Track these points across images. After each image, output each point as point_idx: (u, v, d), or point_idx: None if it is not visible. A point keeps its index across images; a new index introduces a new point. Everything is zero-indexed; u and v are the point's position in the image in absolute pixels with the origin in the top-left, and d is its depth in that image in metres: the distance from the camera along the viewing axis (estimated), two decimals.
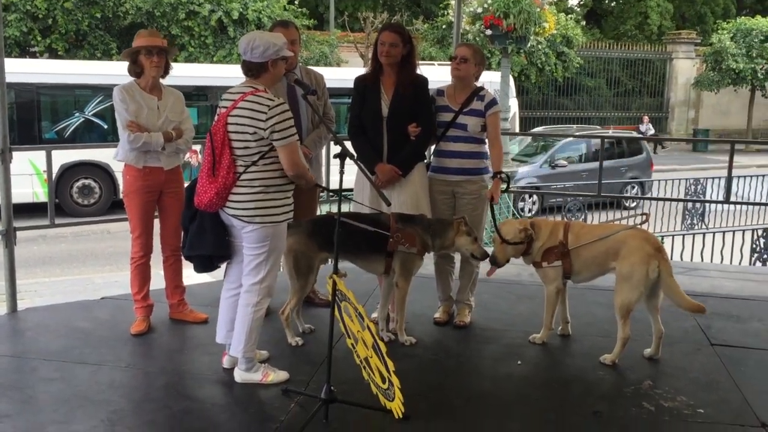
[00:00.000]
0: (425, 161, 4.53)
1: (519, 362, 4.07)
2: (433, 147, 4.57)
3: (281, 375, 3.70)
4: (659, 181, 12.72)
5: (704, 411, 3.51)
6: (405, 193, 4.33)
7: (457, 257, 4.68)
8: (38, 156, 10.96)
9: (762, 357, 4.23)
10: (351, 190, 4.58)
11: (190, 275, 4.67)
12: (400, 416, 3.25)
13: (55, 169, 12.09)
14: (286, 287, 4.22)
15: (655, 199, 7.65)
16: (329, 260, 4.23)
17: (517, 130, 17.62)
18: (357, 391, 3.47)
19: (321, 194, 5.11)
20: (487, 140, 4.45)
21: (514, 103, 16.12)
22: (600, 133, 17.63)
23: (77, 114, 13.12)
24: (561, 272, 4.19)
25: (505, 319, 4.79)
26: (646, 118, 26.28)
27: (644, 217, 4.26)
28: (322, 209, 7.86)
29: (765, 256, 9.27)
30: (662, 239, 8.30)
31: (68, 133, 13.03)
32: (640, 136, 25.24)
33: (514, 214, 10.64)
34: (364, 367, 3.40)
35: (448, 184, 4.47)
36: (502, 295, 5.32)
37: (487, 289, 5.31)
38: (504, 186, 4.36)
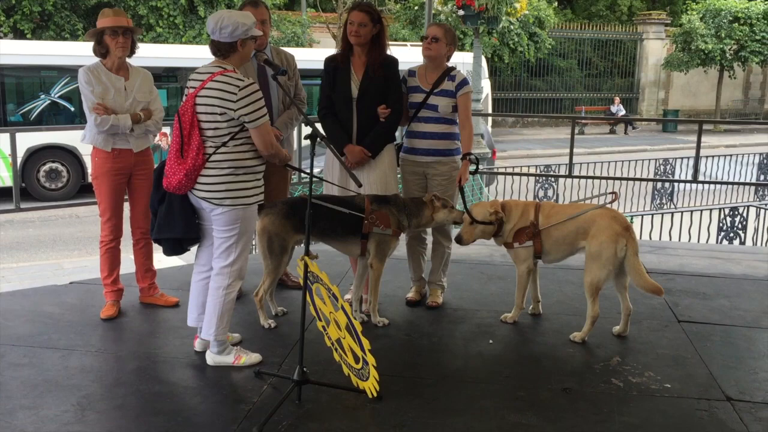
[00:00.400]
0: (396, 143, 4.53)
1: (490, 341, 4.12)
2: (405, 128, 4.57)
3: (254, 357, 3.70)
4: (629, 161, 12.88)
5: (671, 386, 3.58)
6: (374, 174, 4.33)
7: (429, 239, 4.70)
8: (3, 139, 10.74)
9: (727, 332, 4.33)
10: (321, 171, 4.58)
11: (160, 259, 4.64)
12: (374, 395, 3.27)
13: (21, 153, 11.88)
14: (258, 270, 4.21)
15: (624, 179, 7.74)
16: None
17: (490, 111, 17.67)
18: (329, 372, 3.49)
19: (292, 176, 5.09)
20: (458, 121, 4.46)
21: (486, 84, 16.15)
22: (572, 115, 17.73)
23: (43, 96, 12.87)
24: (532, 252, 4.24)
25: (476, 299, 4.83)
26: (617, 99, 26.52)
27: (613, 196, 4.31)
28: (295, 192, 7.85)
29: (731, 234, 9.46)
30: (632, 219, 8.42)
31: (34, 115, 12.78)
32: (612, 116, 25.51)
33: (487, 197, 10.69)
34: (336, 349, 3.42)
35: (420, 165, 4.48)
36: (474, 276, 5.36)
37: (459, 270, 5.35)
38: (473, 168, 4.38)
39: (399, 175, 4.60)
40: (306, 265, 3.33)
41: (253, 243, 6.46)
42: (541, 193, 11.61)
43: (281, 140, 4.39)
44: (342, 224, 4.07)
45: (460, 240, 4.33)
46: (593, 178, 8.13)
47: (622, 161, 12.83)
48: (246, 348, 3.79)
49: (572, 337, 4.13)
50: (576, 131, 7.10)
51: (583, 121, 23.74)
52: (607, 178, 7.12)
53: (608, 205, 4.21)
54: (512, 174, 10.80)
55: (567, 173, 7.23)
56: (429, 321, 4.43)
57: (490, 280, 5.28)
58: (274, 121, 4.42)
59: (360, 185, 3.51)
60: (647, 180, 10.98)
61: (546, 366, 3.81)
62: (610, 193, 4.35)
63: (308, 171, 3.39)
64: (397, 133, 4.58)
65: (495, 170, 11.24)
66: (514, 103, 26.50)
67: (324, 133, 4.23)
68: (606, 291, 4.18)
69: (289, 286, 4.87)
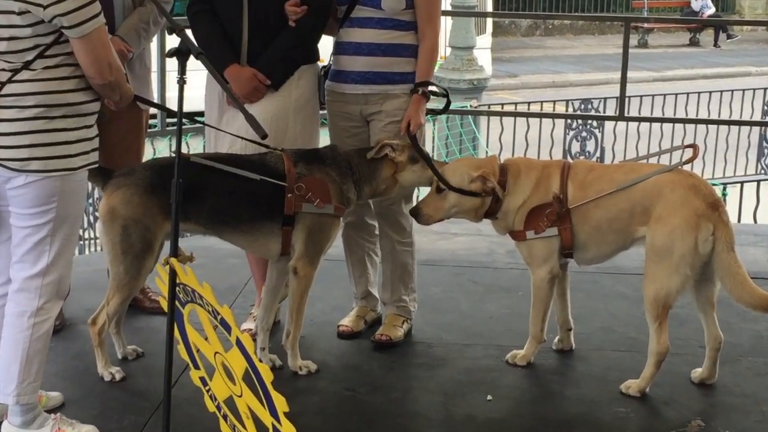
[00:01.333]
0: (322, 65, 4.55)
1: (489, 397, 4.16)
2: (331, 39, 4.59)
3: (85, 431, 3.69)
4: (721, 93, 13.04)
5: None
6: (266, 113, 4.28)
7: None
8: None
9: None
10: (202, 113, 4.57)
11: None
12: None
13: None
14: (94, 282, 4.16)
15: (711, 122, 7.83)
16: (185, 233, 4.20)
17: (489, 8, 17.69)
18: None
19: (149, 119, 5.06)
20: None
21: None
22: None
23: None
24: (557, 247, 4.27)
25: (466, 327, 4.88)
26: None
27: (693, 151, 4.36)
28: (158, 148, 7.79)
29: None
30: (723, 189, 8.55)
31: None
32: (693, 17, 25.84)
33: (486, 152, 10.74)
34: (226, 416, 3.41)
35: (354, 101, 4.51)
36: (462, 287, 5.42)
37: (437, 277, 5.38)
38: (437, 106, 4.39)
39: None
40: (173, 273, 3.29)
41: (85, 235, 6.38)
42: (574, 147, 11.71)
43: (129, 59, 4.39)
44: (248, 202, 4.08)
45: (417, 214, 4.35)
46: (659, 120, 8.23)
47: (709, 92, 12.97)
48: (72, 416, 3.77)
49: (625, 387, 4.18)
50: (634, 42, 7.16)
51: (646, 25, 24.00)
52: (683, 121, 7.19)
53: (683, 167, 4.26)
54: (526, 115, 10.85)
55: (617, 113, 7.30)
56: (386, 365, 4.46)
57: (488, 293, 5.34)
58: (117, 28, 4.39)
59: (264, 135, 3.49)
60: (750, 124, 11.14)
61: None
62: (686, 146, 4.40)
63: (176, 110, 3.36)
64: (323, 46, 4.57)
65: (497, 109, 11.28)
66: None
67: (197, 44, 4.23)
68: (680, 310, 4.23)
69: (146, 309, 4.85)
